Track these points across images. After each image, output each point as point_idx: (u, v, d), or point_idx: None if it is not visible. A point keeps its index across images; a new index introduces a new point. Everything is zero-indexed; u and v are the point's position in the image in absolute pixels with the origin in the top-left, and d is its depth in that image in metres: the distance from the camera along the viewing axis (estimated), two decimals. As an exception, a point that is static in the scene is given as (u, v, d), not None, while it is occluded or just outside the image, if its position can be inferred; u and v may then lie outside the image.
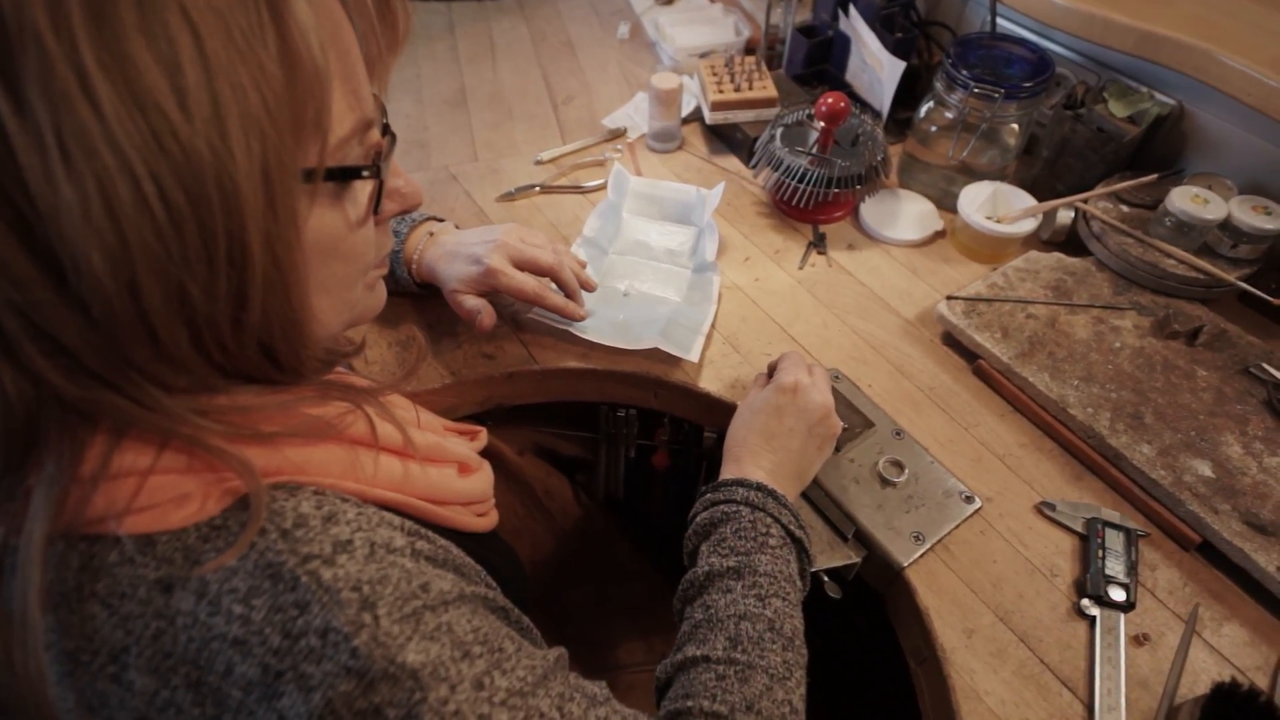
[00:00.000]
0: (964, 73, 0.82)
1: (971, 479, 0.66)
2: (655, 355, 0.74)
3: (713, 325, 0.78)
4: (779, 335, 0.78)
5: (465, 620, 0.36)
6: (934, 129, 0.89)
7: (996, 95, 0.81)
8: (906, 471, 0.65)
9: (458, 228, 0.77)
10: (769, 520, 0.54)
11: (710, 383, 0.74)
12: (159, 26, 0.26)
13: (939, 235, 0.89)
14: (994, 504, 0.65)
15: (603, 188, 0.93)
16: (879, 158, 0.86)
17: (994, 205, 0.85)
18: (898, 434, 0.68)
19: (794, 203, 0.87)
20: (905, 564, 0.60)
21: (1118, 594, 0.58)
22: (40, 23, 0.25)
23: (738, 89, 0.97)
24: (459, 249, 0.71)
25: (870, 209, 0.90)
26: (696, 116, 1.05)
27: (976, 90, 0.82)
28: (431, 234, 0.74)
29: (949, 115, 0.87)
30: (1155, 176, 0.82)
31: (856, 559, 0.62)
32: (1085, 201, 0.82)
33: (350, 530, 0.35)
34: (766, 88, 0.97)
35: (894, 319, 0.80)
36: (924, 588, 0.60)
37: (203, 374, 0.33)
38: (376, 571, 0.34)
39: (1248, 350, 0.72)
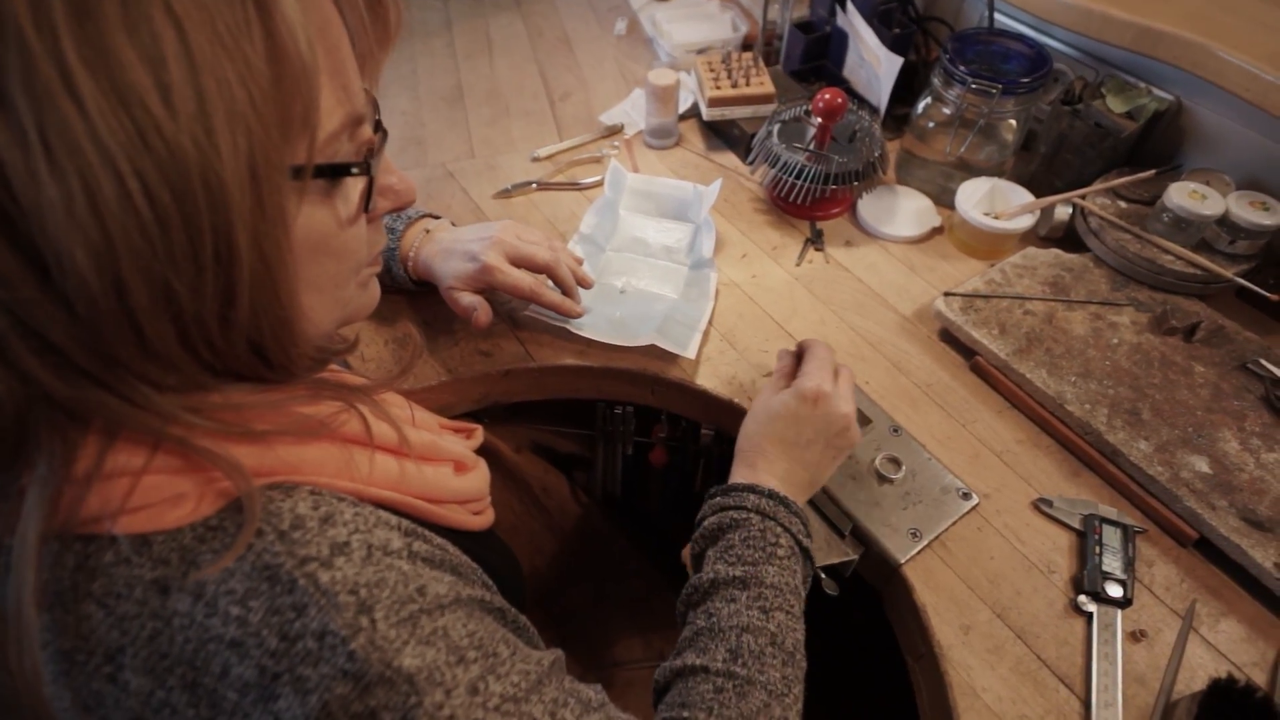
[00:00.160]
0: (961, 68, 0.82)
1: (969, 475, 0.66)
2: (652, 352, 0.74)
3: (710, 322, 0.78)
4: (776, 332, 0.78)
5: (461, 624, 0.36)
6: (932, 125, 0.89)
7: (994, 91, 0.81)
8: (904, 468, 0.65)
9: (454, 225, 0.77)
10: (779, 530, 0.53)
11: (707, 380, 0.73)
12: (143, 22, 0.26)
13: (936, 231, 0.89)
14: (991, 500, 0.65)
15: (600, 184, 0.93)
16: (876, 154, 0.86)
17: (992, 201, 0.85)
18: (895, 430, 0.68)
19: (791, 199, 0.86)
20: (902, 561, 0.60)
21: (1115, 590, 0.58)
22: (22, 18, 0.25)
23: (735, 85, 0.96)
24: (455, 246, 0.71)
25: (868, 205, 0.90)
26: (694, 113, 1.04)
27: (974, 86, 0.81)
28: (428, 231, 0.74)
29: (947, 111, 0.86)
30: (1153, 172, 0.81)
31: (854, 556, 0.62)
32: (1083, 197, 0.82)
33: (347, 532, 0.35)
34: (764, 84, 0.97)
35: (891, 315, 0.80)
36: (921, 584, 0.60)
37: (191, 372, 0.32)
38: (374, 574, 0.34)
39: (1245, 346, 0.72)
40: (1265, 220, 0.73)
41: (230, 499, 0.34)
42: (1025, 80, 0.81)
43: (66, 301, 0.28)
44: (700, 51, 1.10)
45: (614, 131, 1.03)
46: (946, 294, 0.77)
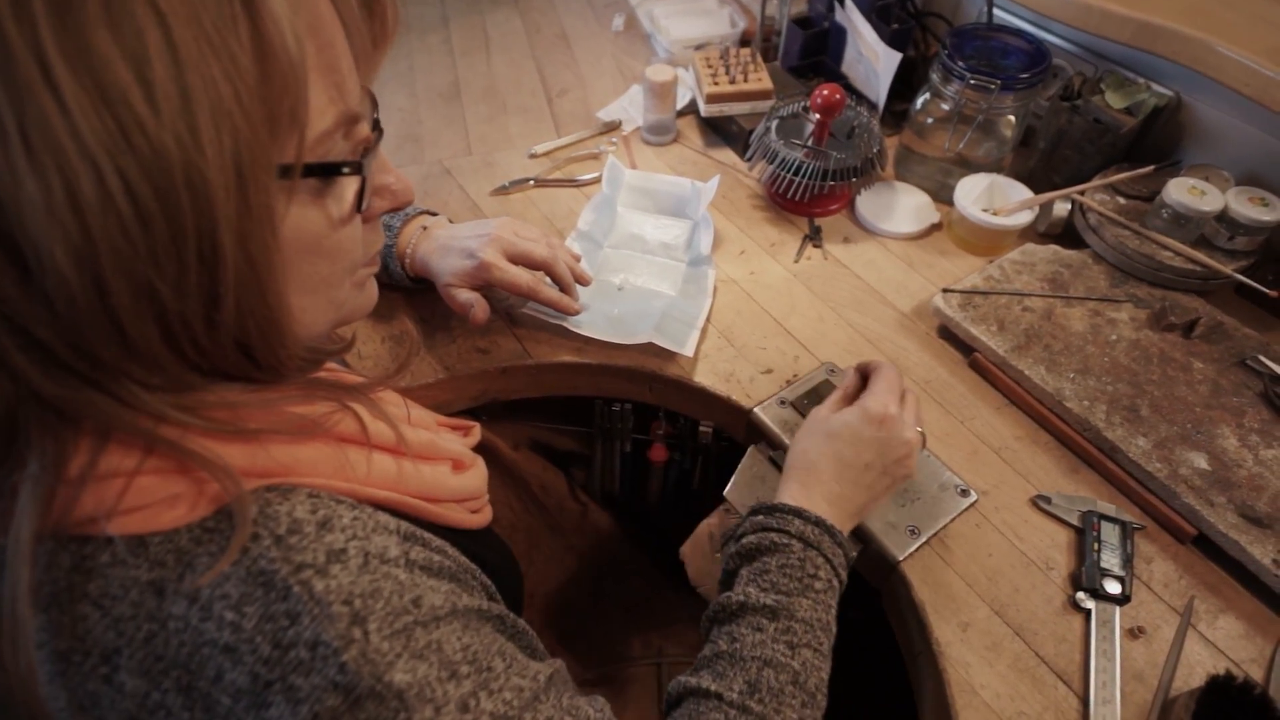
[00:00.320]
0: (960, 64, 0.82)
1: (967, 472, 0.66)
2: (650, 349, 0.74)
3: (708, 319, 0.78)
4: (774, 329, 0.78)
5: (456, 637, 0.36)
6: (930, 121, 0.89)
7: (993, 87, 0.80)
8: (902, 465, 0.65)
9: (451, 222, 0.76)
10: (820, 561, 0.51)
11: (705, 377, 0.73)
12: (125, 17, 0.26)
13: (935, 228, 0.88)
14: (990, 497, 0.65)
15: (597, 181, 0.93)
16: (875, 150, 0.85)
17: (990, 197, 0.85)
18: (893, 427, 0.68)
19: (789, 195, 0.86)
20: (901, 558, 0.60)
21: (1113, 587, 0.58)
22: (2, 10, 0.24)
23: (733, 81, 0.96)
24: (452, 243, 0.71)
25: (866, 201, 0.89)
26: (692, 109, 1.04)
27: (973, 82, 0.81)
28: (425, 228, 0.73)
29: (945, 107, 0.86)
30: (1152, 168, 0.81)
31: (852, 553, 0.62)
32: (1082, 193, 0.82)
33: (345, 538, 0.35)
34: (762, 80, 0.96)
35: (890, 312, 0.80)
36: (919, 581, 0.60)
37: (177, 372, 0.32)
38: (369, 584, 0.34)
39: (1244, 342, 0.72)
40: (1264, 216, 0.72)
41: (226, 500, 0.34)
42: (1024, 76, 0.81)
43: (47, 299, 0.28)
44: (698, 47, 1.09)
45: (612, 128, 1.02)
46: (945, 290, 0.77)
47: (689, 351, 0.73)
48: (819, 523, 0.52)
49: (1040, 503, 0.64)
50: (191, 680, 0.31)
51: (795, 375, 0.73)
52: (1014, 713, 0.53)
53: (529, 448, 0.98)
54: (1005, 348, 0.71)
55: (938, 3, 1.04)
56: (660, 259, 0.85)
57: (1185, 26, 0.76)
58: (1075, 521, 0.62)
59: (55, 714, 0.32)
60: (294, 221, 0.33)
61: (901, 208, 0.89)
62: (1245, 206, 0.73)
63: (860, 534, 0.62)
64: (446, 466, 0.50)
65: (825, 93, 0.81)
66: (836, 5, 0.98)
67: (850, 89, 1.02)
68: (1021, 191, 0.84)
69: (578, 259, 0.77)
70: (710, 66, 0.98)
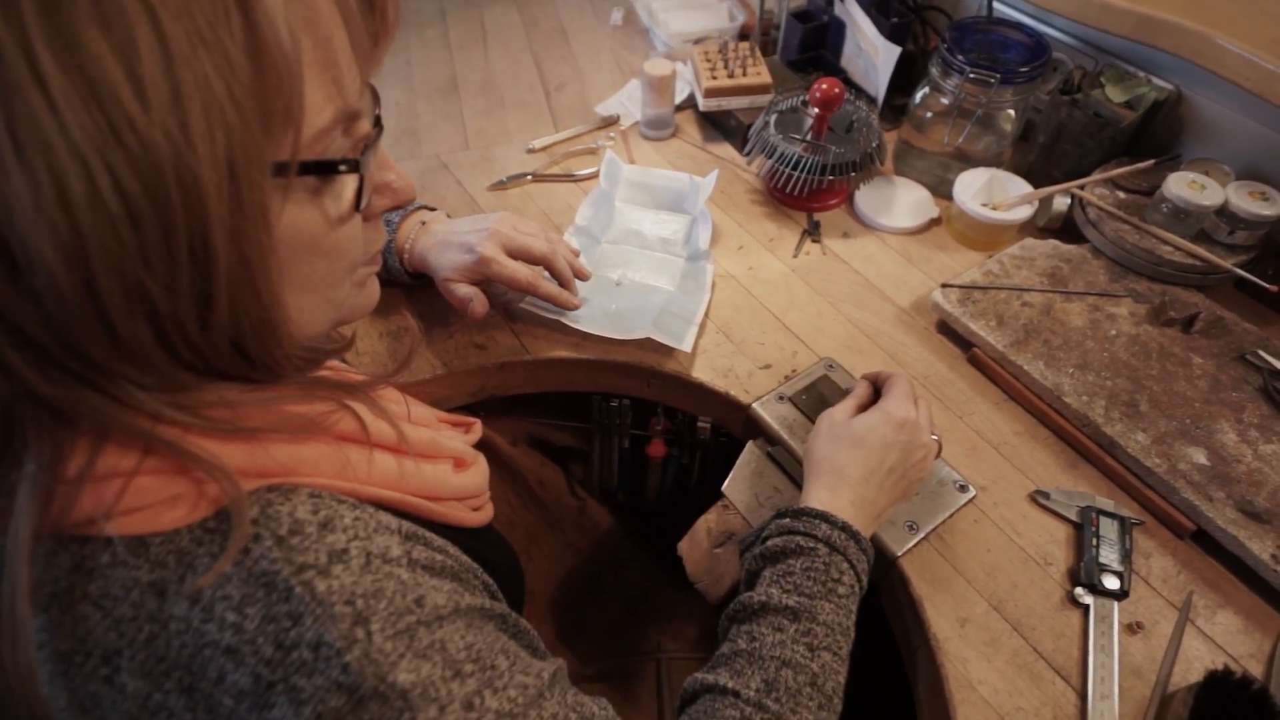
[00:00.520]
0: (960, 58, 0.81)
1: (966, 468, 0.66)
2: (648, 345, 0.73)
3: (706, 315, 0.78)
4: (773, 324, 0.77)
5: (459, 636, 0.36)
6: (930, 115, 0.88)
7: (992, 80, 0.80)
8: (900, 461, 0.65)
9: (449, 217, 0.76)
10: (845, 566, 0.52)
11: (703, 372, 0.73)
12: (115, 12, 0.25)
13: (934, 223, 0.88)
14: (988, 493, 0.64)
15: (595, 176, 0.93)
16: (874, 144, 0.85)
17: (990, 192, 0.85)
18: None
19: (788, 190, 0.86)
20: (899, 553, 0.60)
21: (1112, 582, 0.58)
22: None
23: (732, 75, 0.96)
24: (451, 238, 0.70)
25: (865, 196, 0.89)
26: (690, 103, 1.04)
27: (972, 75, 0.81)
28: (423, 223, 0.73)
29: (945, 101, 0.86)
30: (1152, 162, 0.81)
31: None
32: (1082, 188, 0.82)
33: (346, 539, 0.34)
34: (760, 74, 0.96)
35: (889, 307, 0.79)
36: (917, 577, 0.60)
37: (171, 372, 0.32)
38: (371, 584, 0.34)
39: (1244, 337, 0.72)
40: (1265, 210, 0.72)
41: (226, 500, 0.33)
42: (1024, 70, 0.80)
43: (37, 297, 0.28)
44: (697, 41, 1.09)
45: (610, 123, 1.02)
46: (944, 285, 0.77)
47: (687, 347, 0.73)
48: (845, 528, 0.53)
49: (1039, 498, 0.64)
50: (193, 681, 0.31)
51: (794, 371, 0.73)
52: (1012, 708, 0.53)
53: (527, 444, 0.98)
54: (1004, 343, 0.71)
55: (937, -4, 1.04)
56: (658, 254, 0.85)
57: (1186, 20, 0.76)
58: (1074, 517, 0.62)
59: (56, 714, 0.32)
60: (290, 220, 0.33)
61: (900, 202, 0.89)
62: (1245, 201, 0.73)
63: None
64: (448, 465, 0.50)
65: (824, 87, 0.81)
66: (835, -1, 0.98)
67: (849, 83, 1.01)
68: (1021, 186, 0.84)
69: (576, 254, 0.77)
70: (709, 61, 0.98)
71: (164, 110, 0.26)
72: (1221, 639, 0.56)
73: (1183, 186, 0.75)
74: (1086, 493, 0.64)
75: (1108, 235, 0.78)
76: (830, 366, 0.72)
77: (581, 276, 0.75)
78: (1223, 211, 0.74)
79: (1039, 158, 0.90)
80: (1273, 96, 0.71)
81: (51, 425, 0.31)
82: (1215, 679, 0.51)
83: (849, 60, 1.02)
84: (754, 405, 0.69)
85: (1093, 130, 0.83)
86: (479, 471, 0.54)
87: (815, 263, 0.84)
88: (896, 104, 0.97)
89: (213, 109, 0.27)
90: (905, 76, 0.96)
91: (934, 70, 0.85)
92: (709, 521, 0.68)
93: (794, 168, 0.84)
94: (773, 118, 0.88)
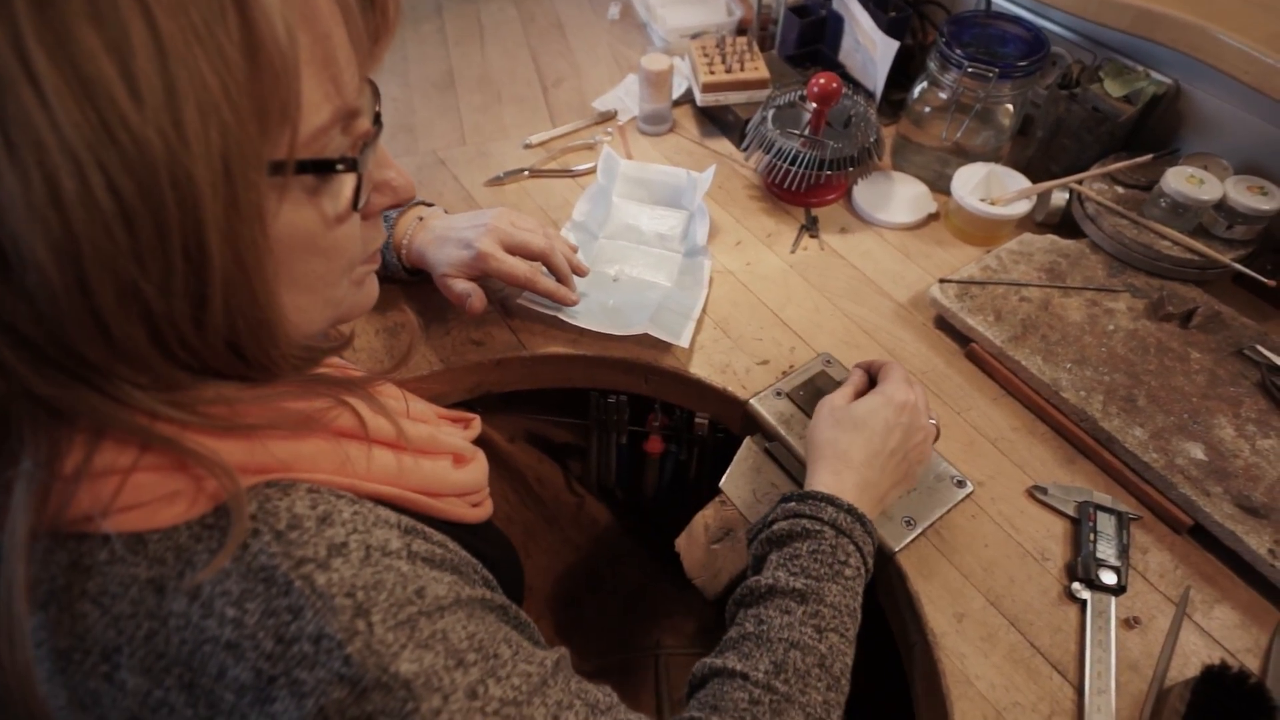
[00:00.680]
0: (958, 52, 0.81)
1: (963, 463, 0.66)
2: (646, 341, 0.73)
3: (703, 310, 0.77)
4: (770, 320, 0.77)
5: (461, 626, 0.35)
6: (928, 110, 0.88)
7: (991, 75, 0.80)
8: (898, 456, 0.65)
9: (446, 213, 0.76)
10: (851, 548, 0.52)
11: (701, 368, 0.73)
12: (108, 9, 0.25)
13: (932, 218, 0.88)
14: (986, 488, 0.64)
15: (592, 171, 0.92)
16: (872, 139, 0.85)
17: (988, 187, 0.85)
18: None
19: (786, 185, 0.86)
20: (896, 549, 0.60)
21: (1109, 577, 0.58)
22: None
23: (729, 70, 0.95)
24: (449, 233, 0.70)
25: (863, 191, 0.89)
26: (688, 98, 1.03)
27: (971, 70, 0.81)
28: (421, 219, 0.73)
29: (943, 96, 0.85)
30: (1150, 157, 0.81)
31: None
32: (1080, 183, 0.82)
33: (345, 532, 0.34)
34: (758, 69, 0.96)
35: (886, 303, 0.79)
36: (915, 573, 0.60)
37: (166, 371, 0.31)
38: (371, 576, 0.33)
39: (1242, 332, 0.72)
40: (1263, 205, 0.72)
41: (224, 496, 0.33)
42: (1022, 64, 0.80)
43: (30, 296, 0.27)
44: (694, 36, 1.08)
45: (607, 118, 1.02)
46: (942, 281, 0.76)
47: (684, 343, 0.73)
48: (851, 510, 0.53)
49: (1036, 493, 0.64)
50: (194, 678, 0.31)
51: (791, 366, 0.73)
52: (1009, 703, 0.53)
53: (525, 440, 0.98)
54: (1002, 338, 0.71)
55: (936, -10, 1.03)
56: (656, 250, 0.85)
57: (1184, 13, 0.75)
58: (1071, 512, 0.62)
59: (55, 712, 0.32)
60: (287, 220, 0.33)
61: (898, 198, 0.89)
62: (1244, 195, 0.73)
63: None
64: (447, 460, 0.50)
65: (822, 81, 0.80)
66: (833, -7, 0.98)
67: (847, 78, 1.01)
68: (1019, 181, 0.84)
69: (574, 250, 0.77)
70: (706, 55, 0.98)
71: (158, 108, 0.26)
72: (1218, 634, 0.56)
73: (1181, 181, 0.74)
74: (1084, 488, 0.64)
75: (1106, 230, 0.78)
76: (828, 362, 0.72)
77: (579, 272, 0.75)
78: (1221, 206, 0.74)
79: (1037, 152, 0.90)
80: (1272, 90, 0.71)
81: (48, 423, 0.31)
82: (1212, 674, 0.51)
83: (847, 55, 1.02)
84: (752, 401, 0.69)
85: (1091, 125, 0.83)
86: (478, 467, 0.54)
87: (813, 258, 0.84)
88: (894, 99, 0.97)
89: (208, 107, 0.27)
90: (903, 71, 0.96)
91: (932, 65, 0.85)
92: (706, 518, 0.68)
93: (792, 163, 0.83)
94: (770, 113, 0.88)
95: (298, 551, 0.33)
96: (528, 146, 0.97)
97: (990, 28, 0.86)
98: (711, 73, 0.95)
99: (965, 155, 0.88)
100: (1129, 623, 0.57)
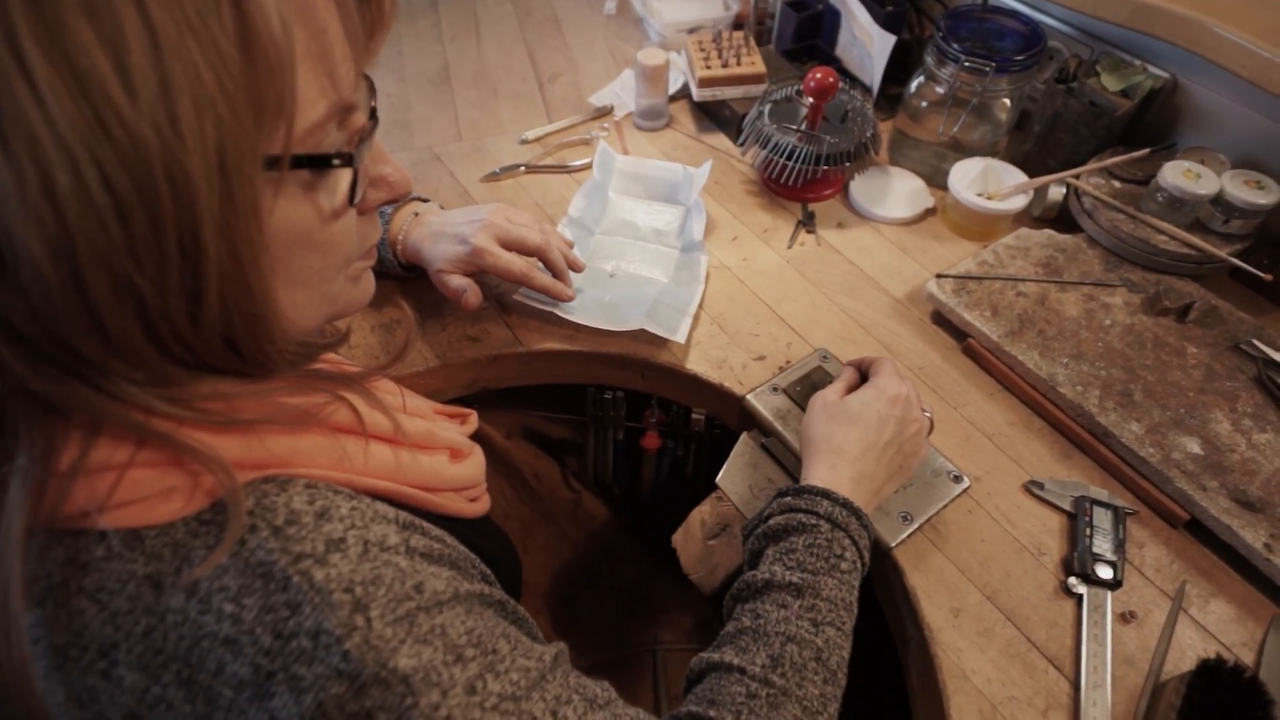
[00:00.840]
0: (955, 46, 0.81)
1: (960, 458, 0.66)
2: (642, 336, 0.73)
3: (700, 306, 0.77)
4: (767, 315, 0.77)
5: (459, 621, 0.35)
6: (925, 104, 0.88)
7: (988, 69, 0.80)
8: (895, 451, 0.65)
9: (442, 208, 0.76)
10: (847, 542, 0.52)
11: (697, 364, 0.73)
12: (101, 2, 0.25)
13: (929, 213, 0.88)
14: (982, 483, 0.64)
15: (589, 167, 0.92)
16: (869, 134, 0.85)
17: (985, 182, 0.84)
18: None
19: (783, 181, 0.85)
20: (893, 544, 0.60)
21: (1105, 572, 0.58)
22: None
23: (726, 65, 0.95)
24: (445, 229, 0.70)
25: (860, 186, 0.89)
26: (684, 94, 1.03)
27: (967, 64, 0.80)
28: (417, 214, 0.73)
29: (940, 90, 0.85)
30: (1147, 151, 0.81)
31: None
32: (1077, 177, 0.81)
33: (343, 528, 0.34)
34: (755, 63, 0.95)
35: (883, 298, 0.79)
36: (911, 568, 0.60)
37: (161, 367, 0.31)
38: (370, 571, 0.33)
39: (1238, 327, 0.72)
40: (1260, 199, 0.72)
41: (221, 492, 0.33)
42: (1019, 58, 0.80)
43: (24, 292, 0.27)
44: (691, 31, 1.08)
45: (603, 113, 1.01)
46: (939, 276, 0.76)
47: (681, 338, 0.73)
48: (846, 504, 0.53)
49: (1033, 488, 0.64)
50: (192, 673, 0.31)
51: (788, 362, 0.73)
52: (1005, 697, 0.53)
53: (521, 436, 0.98)
54: (999, 333, 0.71)
55: (933, -16, 1.03)
56: (652, 245, 0.85)
57: (1182, 7, 0.75)
58: (1068, 507, 0.62)
59: (53, 709, 0.32)
60: (283, 215, 0.33)
61: (895, 192, 0.88)
62: (1241, 189, 0.73)
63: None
64: (444, 455, 0.50)
65: (818, 76, 0.80)
66: (830, -13, 0.97)
67: (844, 72, 1.01)
68: (1016, 175, 0.83)
69: (570, 245, 0.77)
70: (703, 50, 0.97)
71: (152, 102, 0.26)
72: (1214, 628, 0.57)
73: (1178, 175, 0.74)
74: (1080, 483, 0.64)
75: (1103, 225, 0.78)
76: (824, 357, 0.72)
77: (575, 268, 0.75)
78: (1218, 200, 0.74)
79: (1034, 147, 0.89)
80: (1269, 85, 0.71)
81: (43, 418, 0.31)
82: (1208, 668, 0.51)
83: (844, 49, 1.01)
84: (748, 397, 0.69)
85: (1088, 119, 0.83)
86: (475, 462, 0.54)
87: (810, 253, 0.84)
88: (891, 93, 0.97)
89: (202, 101, 0.27)
90: (900, 65, 0.96)
91: (929, 59, 0.85)
92: (703, 513, 0.68)
93: (788, 158, 0.83)
94: (767, 108, 0.88)
95: (295, 547, 0.33)
96: (524, 142, 0.97)
97: (987, 22, 0.85)
98: (708, 67, 0.95)
99: (962, 150, 0.87)
100: (1125, 617, 0.57)
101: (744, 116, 0.91)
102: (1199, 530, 0.61)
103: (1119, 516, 0.61)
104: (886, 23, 0.90)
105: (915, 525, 0.61)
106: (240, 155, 0.28)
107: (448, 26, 1.18)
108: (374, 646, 0.32)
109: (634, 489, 1.04)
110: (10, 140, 0.25)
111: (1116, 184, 0.81)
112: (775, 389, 0.69)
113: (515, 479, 0.95)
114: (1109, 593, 0.57)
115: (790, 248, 0.84)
